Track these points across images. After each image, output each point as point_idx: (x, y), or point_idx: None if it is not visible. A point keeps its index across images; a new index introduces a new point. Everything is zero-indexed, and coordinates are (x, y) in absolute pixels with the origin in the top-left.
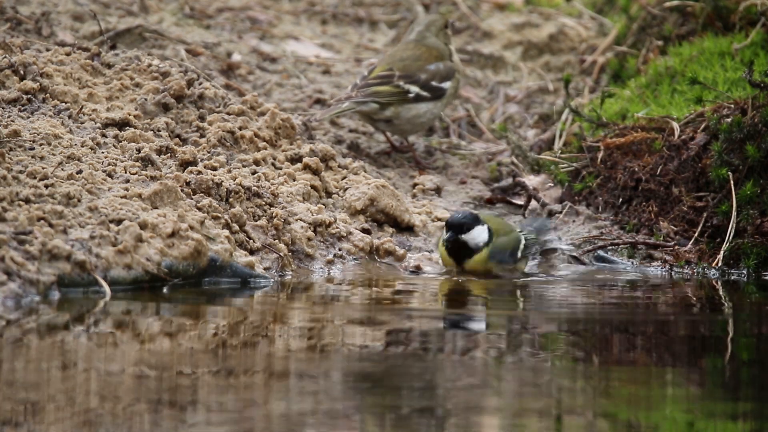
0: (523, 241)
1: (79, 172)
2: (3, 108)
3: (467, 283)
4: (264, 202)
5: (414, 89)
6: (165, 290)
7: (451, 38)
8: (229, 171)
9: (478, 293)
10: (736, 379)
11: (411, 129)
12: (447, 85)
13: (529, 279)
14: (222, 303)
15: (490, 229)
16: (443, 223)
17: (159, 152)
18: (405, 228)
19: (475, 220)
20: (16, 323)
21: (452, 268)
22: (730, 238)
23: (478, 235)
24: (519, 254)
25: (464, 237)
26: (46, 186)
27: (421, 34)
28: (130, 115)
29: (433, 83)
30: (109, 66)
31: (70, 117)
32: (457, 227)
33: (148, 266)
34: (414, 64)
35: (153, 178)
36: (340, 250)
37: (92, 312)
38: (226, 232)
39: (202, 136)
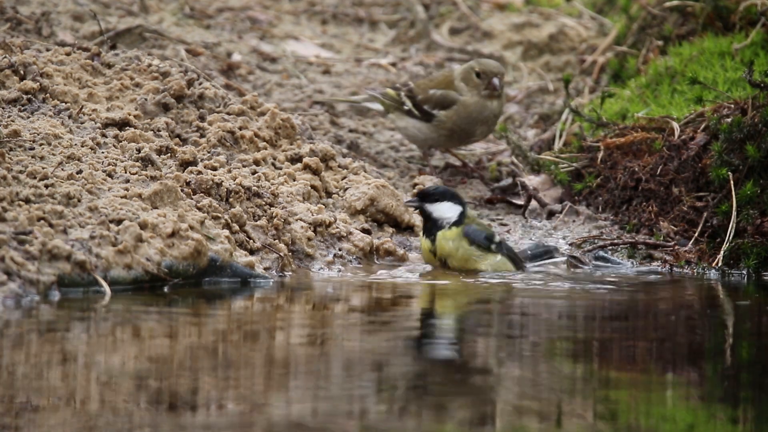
0: (497, 238)
1: (79, 172)
2: (3, 108)
3: (464, 282)
4: (264, 202)
5: (408, 104)
6: (165, 290)
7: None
8: (229, 171)
9: (475, 292)
10: (736, 380)
11: (409, 140)
12: (439, 113)
13: (524, 276)
14: (222, 303)
15: (463, 213)
16: None
17: (159, 152)
18: (405, 228)
19: (448, 197)
20: (16, 323)
21: (433, 262)
22: (730, 238)
23: (446, 210)
24: (493, 245)
25: (428, 207)
26: (46, 186)
27: (463, 74)
28: (130, 115)
29: (426, 107)
30: (109, 66)
31: (70, 117)
32: (422, 195)
33: (148, 266)
34: (423, 83)
35: (153, 178)
36: (340, 250)
37: (92, 312)
38: (226, 232)
39: (202, 136)
